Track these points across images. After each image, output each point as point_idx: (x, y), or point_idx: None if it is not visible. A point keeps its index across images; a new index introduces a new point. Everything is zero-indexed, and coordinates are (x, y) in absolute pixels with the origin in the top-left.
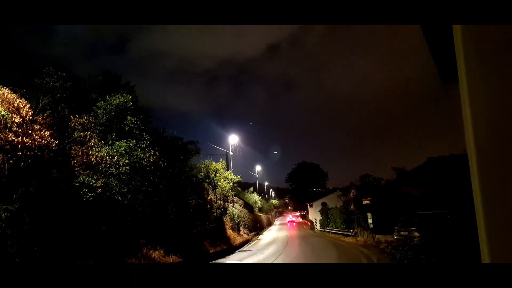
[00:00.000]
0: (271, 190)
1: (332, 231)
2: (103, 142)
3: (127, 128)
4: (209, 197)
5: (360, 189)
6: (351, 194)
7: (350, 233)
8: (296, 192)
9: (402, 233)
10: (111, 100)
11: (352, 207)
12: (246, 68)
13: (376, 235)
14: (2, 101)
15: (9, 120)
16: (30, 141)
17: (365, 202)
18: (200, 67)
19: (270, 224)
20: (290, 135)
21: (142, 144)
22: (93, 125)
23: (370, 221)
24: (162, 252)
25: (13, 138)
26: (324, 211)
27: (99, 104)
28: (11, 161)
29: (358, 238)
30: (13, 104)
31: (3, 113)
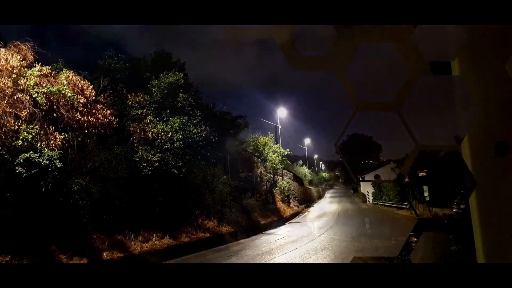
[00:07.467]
0: (321, 163)
1: (385, 204)
2: (157, 119)
3: (179, 105)
4: (258, 171)
5: (415, 160)
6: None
7: (404, 206)
8: (347, 164)
9: (461, 206)
10: (164, 78)
11: (406, 179)
12: (300, 34)
13: (433, 208)
14: (68, 83)
15: (75, 101)
16: (94, 120)
17: (420, 174)
18: (252, 37)
19: (320, 197)
20: (343, 102)
21: (194, 120)
22: (148, 102)
23: (426, 193)
24: (216, 222)
25: (80, 117)
26: (377, 183)
27: (153, 82)
28: (79, 139)
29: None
30: (77, 85)
31: (69, 94)
